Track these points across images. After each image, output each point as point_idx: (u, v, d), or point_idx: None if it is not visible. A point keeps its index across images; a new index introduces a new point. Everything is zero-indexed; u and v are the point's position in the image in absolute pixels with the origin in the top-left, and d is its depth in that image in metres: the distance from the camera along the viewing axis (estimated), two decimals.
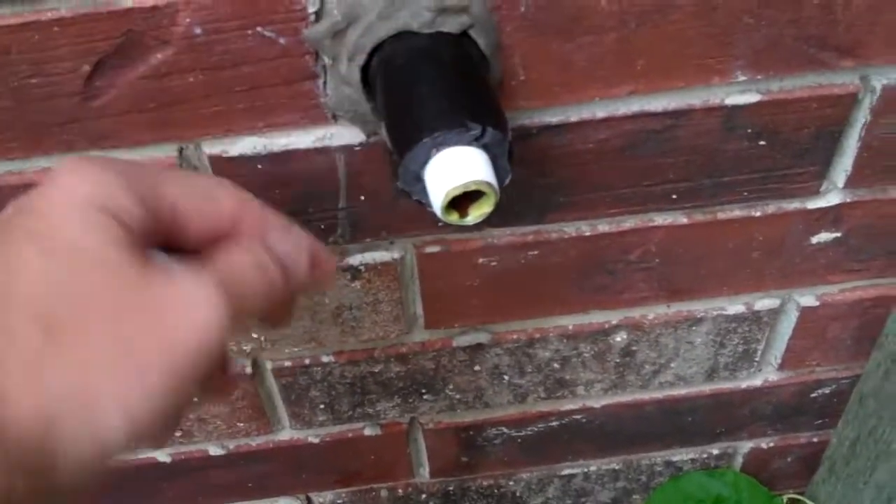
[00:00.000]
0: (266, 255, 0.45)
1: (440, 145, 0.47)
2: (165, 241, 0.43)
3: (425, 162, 0.47)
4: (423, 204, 0.49)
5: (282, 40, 0.56)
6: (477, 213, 0.48)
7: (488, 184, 0.46)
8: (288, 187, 0.65)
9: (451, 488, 1.03)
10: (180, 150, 0.62)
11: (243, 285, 0.43)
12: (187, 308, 0.39)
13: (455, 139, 0.47)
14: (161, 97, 0.58)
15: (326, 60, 0.57)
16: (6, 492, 0.34)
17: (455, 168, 0.46)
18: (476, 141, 0.47)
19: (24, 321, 0.36)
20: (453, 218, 0.48)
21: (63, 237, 0.38)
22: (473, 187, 0.46)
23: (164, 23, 0.55)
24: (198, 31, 0.55)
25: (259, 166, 0.63)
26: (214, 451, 0.91)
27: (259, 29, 0.55)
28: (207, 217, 0.44)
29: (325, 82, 0.59)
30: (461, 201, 0.48)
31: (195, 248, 0.45)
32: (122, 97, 0.58)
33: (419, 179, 0.48)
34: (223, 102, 0.59)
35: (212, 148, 0.62)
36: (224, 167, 0.63)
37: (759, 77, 0.62)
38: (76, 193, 0.39)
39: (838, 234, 0.76)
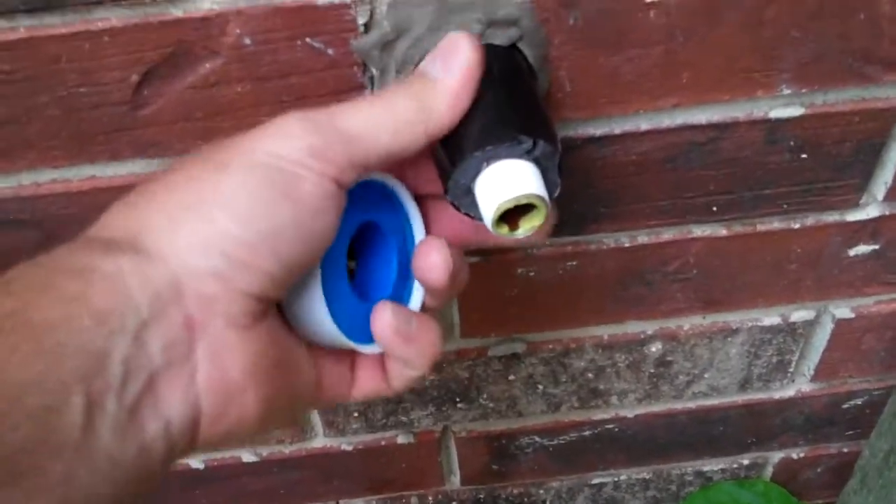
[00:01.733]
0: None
1: (491, 158, 0.47)
2: None
3: (476, 175, 0.47)
4: (473, 217, 0.49)
5: (330, 51, 0.56)
6: (528, 226, 0.48)
7: (540, 197, 0.46)
8: None
9: (481, 496, 1.03)
10: None
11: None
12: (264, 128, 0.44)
13: (506, 152, 0.47)
14: (209, 107, 0.59)
15: (374, 72, 0.57)
16: None
17: (506, 181, 0.46)
18: (527, 154, 0.47)
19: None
20: (504, 231, 0.48)
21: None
22: (525, 201, 0.46)
23: (214, 33, 0.55)
24: (247, 41, 0.55)
25: None
26: (248, 458, 0.91)
27: (308, 40, 0.56)
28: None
29: (372, 94, 0.59)
30: (512, 214, 0.48)
31: None
32: (169, 107, 0.58)
33: (469, 192, 0.48)
34: (271, 113, 0.59)
35: None
36: None
37: (803, 90, 0.62)
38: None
39: (876, 247, 0.76)
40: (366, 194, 0.50)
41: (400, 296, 0.55)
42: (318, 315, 0.48)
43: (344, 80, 0.58)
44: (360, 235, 0.51)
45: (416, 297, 0.56)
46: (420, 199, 0.55)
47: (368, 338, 0.51)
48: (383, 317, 0.49)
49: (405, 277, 0.55)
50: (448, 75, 0.46)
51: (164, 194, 0.42)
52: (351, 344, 0.50)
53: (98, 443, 0.36)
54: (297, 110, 0.44)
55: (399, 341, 0.49)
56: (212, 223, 0.40)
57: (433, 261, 0.50)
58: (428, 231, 0.55)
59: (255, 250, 0.40)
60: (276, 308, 0.46)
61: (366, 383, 0.53)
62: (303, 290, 0.47)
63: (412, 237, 0.55)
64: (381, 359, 0.54)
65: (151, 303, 0.38)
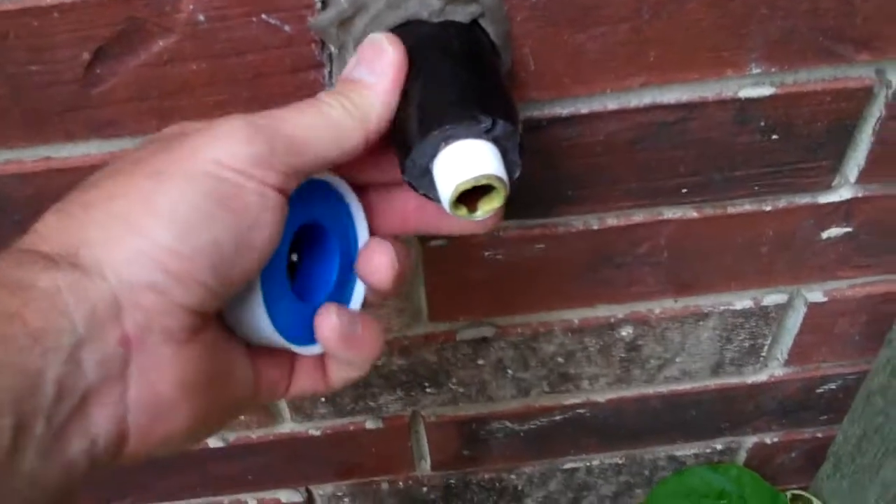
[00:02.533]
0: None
1: (449, 138, 0.45)
2: None
3: (434, 155, 0.46)
4: (431, 198, 0.48)
5: (287, 28, 0.55)
6: (486, 207, 0.47)
7: (498, 178, 0.45)
8: None
9: (452, 481, 1.03)
10: None
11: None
12: (206, 132, 0.42)
13: (465, 132, 0.45)
14: (163, 85, 0.57)
15: (332, 49, 0.56)
16: None
17: (464, 162, 0.45)
18: (486, 134, 0.46)
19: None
20: (462, 213, 0.47)
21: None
22: (483, 182, 0.45)
23: (166, 10, 0.53)
24: (201, 17, 0.54)
25: None
26: (214, 443, 0.90)
27: (264, 16, 0.54)
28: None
29: (330, 72, 0.57)
30: (470, 196, 0.46)
31: None
32: (123, 85, 0.57)
33: (427, 173, 0.47)
34: (227, 91, 0.58)
35: None
36: None
37: (773, 70, 0.61)
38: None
39: (849, 230, 0.75)
40: (307, 194, 0.49)
41: (341, 294, 0.54)
42: (259, 320, 0.47)
43: (302, 57, 0.57)
44: (301, 233, 0.51)
45: (358, 296, 0.55)
46: (363, 189, 0.54)
47: (309, 339, 0.51)
48: (328, 320, 0.49)
49: (347, 275, 0.54)
50: (378, 78, 0.47)
51: (100, 203, 0.41)
52: (293, 347, 0.49)
53: (21, 465, 0.35)
54: (240, 114, 0.43)
55: (344, 344, 0.49)
56: (148, 236, 0.39)
57: (378, 263, 0.50)
58: (374, 219, 0.54)
59: (193, 263, 0.40)
60: (217, 317, 0.45)
61: (303, 382, 0.53)
62: (243, 295, 0.46)
63: (355, 236, 0.54)
64: (321, 359, 0.53)
65: (88, 320, 0.37)
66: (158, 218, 0.39)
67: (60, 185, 0.61)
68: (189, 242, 0.39)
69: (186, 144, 0.41)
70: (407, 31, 0.52)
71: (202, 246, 0.40)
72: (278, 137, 0.42)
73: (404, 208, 0.53)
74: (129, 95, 0.58)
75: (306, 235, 0.51)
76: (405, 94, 0.50)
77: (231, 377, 0.47)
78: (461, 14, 0.52)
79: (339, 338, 0.49)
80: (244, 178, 0.41)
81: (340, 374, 0.53)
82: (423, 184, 0.47)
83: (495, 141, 0.46)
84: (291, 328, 0.49)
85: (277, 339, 0.48)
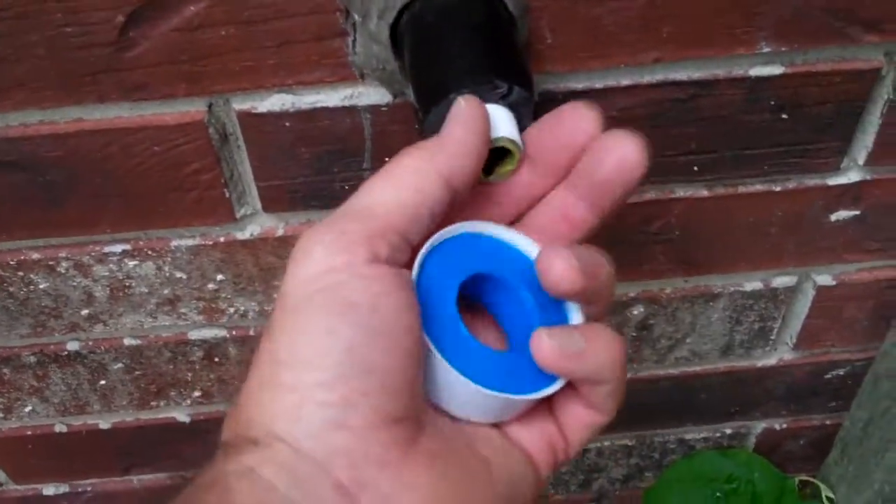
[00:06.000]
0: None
1: None
2: None
3: None
4: None
5: None
6: (501, 171, 0.49)
7: (513, 141, 0.47)
8: (314, 146, 0.66)
9: None
10: (209, 106, 0.63)
11: None
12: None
13: (482, 96, 0.47)
14: (193, 50, 0.59)
15: (356, 18, 0.57)
16: None
17: None
18: (503, 99, 0.48)
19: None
20: None
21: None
22: (499, 144, 0.46)
23: None
24: None
25: (286, 123, 0.64)
26: None
27: None
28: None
29: (354, 40, 0.59)
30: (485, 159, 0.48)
31: None
32: (154, 49, 0.59)
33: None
34: (254, 58, 0.60)
35: (241, 104, 0.63)
36: (252, 123, 0.64)
37: (783, 49, 0.63)
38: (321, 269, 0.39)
39: (857, 213, 0.76)
40: (456, 249, 0.46)
41: (553, 322, 0.47)
42: (454, 383, 0.43)
43: (326, 25, 0.58)
44: (475, 287, 0.47)
45: (575, 315, 0.48)
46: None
47: (542, 382, 0.45)
48: (542, 345, 0.42)
49: (548, 303, 0.48)
50: (449, 126, 0.44)
51: (251, 381, 0.39)
52: (521, 397, 0.44)
53: None
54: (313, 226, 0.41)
55: (572, 361, 0.42)
56: (296, 389, 0.37)
57: (557, 272, 0.43)
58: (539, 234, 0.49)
59: (344, 382, 0.37)
60: (433, 414, 0.43)
61: (577, 423, 0.47)
62: (432, 375, 0.42)
63: (528, 261, 0.48)
64: (576, 393, 0.46)
65: (294, 485, 0.36)
66: (298, 367, 0.37)
67: (91, 146, 0.63)
68: (327, 369, 0.37)
69: (287, 283, 0.39)
70: (429, 1, 0.54)
71: (340, 360, 0.37)
72: (343, 218, 0.40)
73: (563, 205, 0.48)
74: (159, 59, 0.60)
75: (480, 289, 0.48)
76: (426, 60, 0.52)
77: (490, 467, 0.43)
78: None
79: (562, 356, 0.42)
80: (336, 273, 0.38)
81: (597, 393, 0.45)
82: None
83: (511, 107, 0.48)
84: (497, 378, 0.44)
85: (494, 395, 0.43)
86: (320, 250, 0.39)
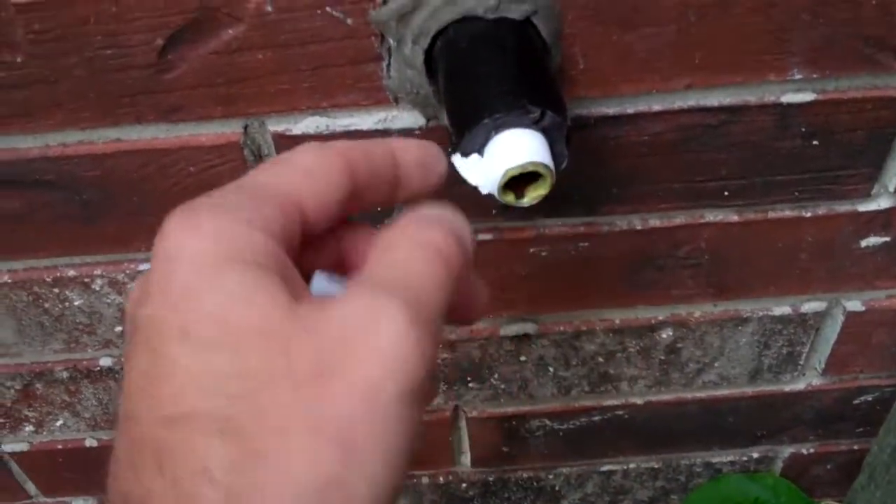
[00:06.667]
0: (428, 231, 0.35)
1: (500, 127, 0.48)
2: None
3: (485, 143, 0.49)
4: (470, 184, 0.50)
5: (349, 21, 0.58)
6: (533, 194, 0.50)
7: (546, 166, 0.47)
8: None
9: (491, 479, 1.04)
10: (245, 128, 0.64)
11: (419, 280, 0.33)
12: (367, 340, 0.30)
13: (515, 121, 0.48)
14: (230, 73, 0.60)
15: (391, 43, 0.58)
16: None
17: (514, 149, 0.48)
18: (535, 124, 0.48)
19: (202, 434, 0.29)
20: (510, 199, 0.49)
21: (202, 316, 0.30)
22: (531, 168, 0.47)
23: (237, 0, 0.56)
24: (269, 8, 0.57)
25: None
26: None
27: (328, 9, 0.57)
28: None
29: (388, 65, 0.60)
30: (517, 184, 0.49)
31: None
32: (192, 71, 0.60)
33: (475, 158, 0.49)
34: (289, 81, 0.61)
35: (276, 125, 0.64)
36: (287, 145, 0.64)
37: (814, 76, 0.63)
38: (196, 254, 0.31)
39: (887, 239, 0.76)
40: None
41: None
42: None
43: (362, 50, 0.59)
44: None
45: None
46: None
47: None
48: None
49: None
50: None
51: None
52: None
53: None
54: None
55: None
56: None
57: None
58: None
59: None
60: None
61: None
62: None
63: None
64: None
65: None
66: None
67: (128, 166, 0.64)
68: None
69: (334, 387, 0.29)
70: (462, 27, 0.55)
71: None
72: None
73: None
74: (197, 82, 0.61)
75: None
76: (460, 86, 0.53)
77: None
78: (515, 12, 0.54)
79: None
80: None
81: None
82: (468, 168, 0.50)
83: (544, 131, 0.49)
84: None
85: None
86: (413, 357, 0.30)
